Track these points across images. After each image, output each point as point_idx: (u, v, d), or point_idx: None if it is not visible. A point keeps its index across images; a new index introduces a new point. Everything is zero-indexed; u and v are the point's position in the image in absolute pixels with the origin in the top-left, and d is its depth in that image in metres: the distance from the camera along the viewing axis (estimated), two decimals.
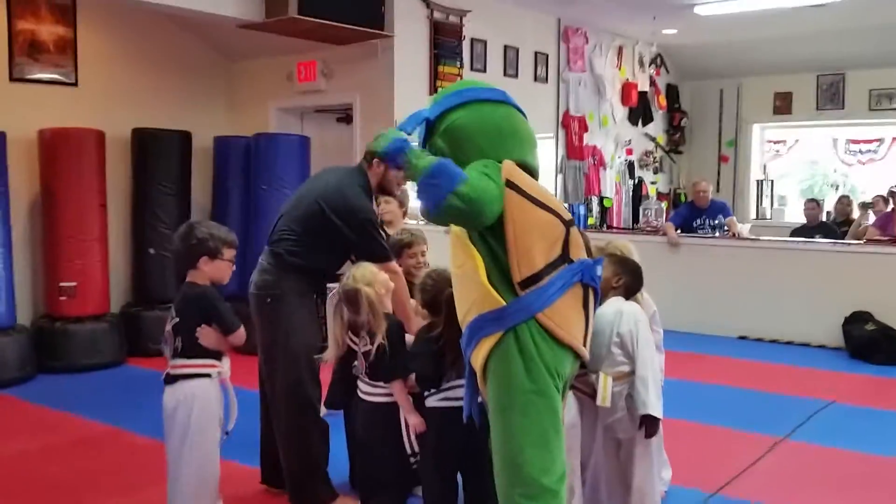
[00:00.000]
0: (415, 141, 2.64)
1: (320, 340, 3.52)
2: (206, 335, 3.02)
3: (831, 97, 10.27)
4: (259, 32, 6.41)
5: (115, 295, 6.79)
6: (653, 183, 10.69)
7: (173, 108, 7.47)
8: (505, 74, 7.99)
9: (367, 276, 2.98)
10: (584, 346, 2.45)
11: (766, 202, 11.32)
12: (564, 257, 2.46)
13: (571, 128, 8.92)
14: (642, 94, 10.16)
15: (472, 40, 7.54)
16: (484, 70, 7.68)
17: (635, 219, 9.82)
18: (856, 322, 6.80)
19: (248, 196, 7.31)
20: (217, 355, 3.08)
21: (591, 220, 9.11)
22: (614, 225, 9.54)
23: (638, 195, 10.21)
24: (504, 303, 2.34)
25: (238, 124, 7.92)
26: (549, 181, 9.01)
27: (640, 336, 2.89)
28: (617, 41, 9.64)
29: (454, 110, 2.64)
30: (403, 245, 3.73)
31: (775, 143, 11.81)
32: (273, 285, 3.41)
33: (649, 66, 10.34)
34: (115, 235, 6.83)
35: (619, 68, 9.71)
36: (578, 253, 2.50)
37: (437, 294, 2.83)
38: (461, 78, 7.34)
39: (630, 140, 10.16)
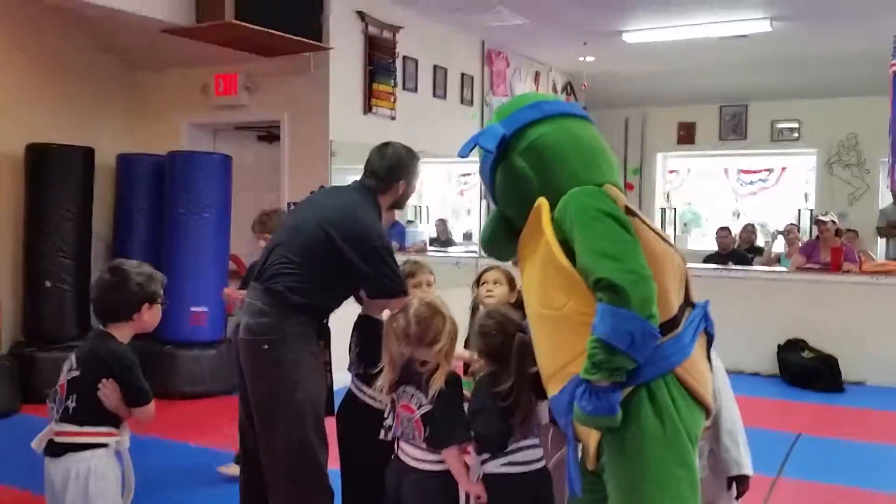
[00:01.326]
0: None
1: (326, 392, 3.02)
2: (111, 392, 2.51)
3: (734, 128, 10.56)
4: (174, 39, 5.76)
5: (3, 333, 5.89)
6: None
7: (71, 122, 6.63)
8: (434, 95, 7.65)
9: (446, 305, 2.53)
10: None
11: (669, 229, 11.50)
12: (688, 299, 2.12)
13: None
14: None
15: (405, 58, 7.16)
16: (415, 90, 7.30)
17: None
18: (791, 350, 6.87)
19: (156, 222, 6.59)
20: (116, 422, 2.57)
21: None
22: None
23: None
24: None
25: (143, 141, 7.15)
26: (474, 206, 8.73)
27: (722, 383, 2.57)
28: (534, 67, 9.52)
29: (534, 125, 2.26)
30: (406, 275, 3.23)
31: (670, 172, 12.08)
32: (272, 329, 2.86)
33: (561, 93, 10.29)
34: (4, 265, 5.93)
35: None
36: (694, 293, 2.17)
37: (505, 340, 2.39)
38: (395, 97, 6.95)
39: None
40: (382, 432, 2.97)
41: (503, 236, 2.40)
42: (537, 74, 9.60)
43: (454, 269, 7.49)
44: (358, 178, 3.17)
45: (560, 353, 2.11)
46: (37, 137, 6.17)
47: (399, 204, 3.17)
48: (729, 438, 2.50)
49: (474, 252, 8.56)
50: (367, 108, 6.68)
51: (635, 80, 10.18)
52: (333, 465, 3.00)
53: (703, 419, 2.06)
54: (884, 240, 9.12)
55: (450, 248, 9.00)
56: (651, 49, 8.56)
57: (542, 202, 2.19)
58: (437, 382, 2.40)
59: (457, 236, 9.32)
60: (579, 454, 2.18)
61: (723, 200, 12.12)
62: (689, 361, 2.01)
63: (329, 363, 3.06)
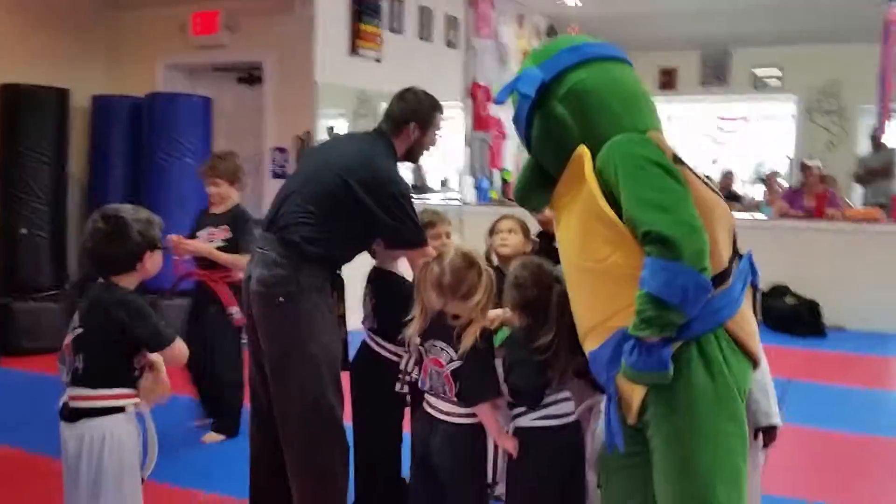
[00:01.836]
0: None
1: (341, 346, 2.94)
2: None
3: (715, 74, 10.50)
4: None
5: None
6: None
7: (44, 62, 6.34)
8: (420, 37, 7.45)
9: (482, 257, 2.45)
10: None
11: None
12: (736, 251, 2.07)
13: (479, 98, 8.52)
14: None
15: None
16: (401, 31, 7.10)
17: None
18: (774, 296, 6.93)
19: (134, 166, 6.39)
20: (133, 381, 2.40)
21: (493, 194, 8.83)
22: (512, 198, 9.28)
23: None
24: None
25: (118, 82, 6.89)
26: (457, 153, 8.60)
27: None
28: (518, 10, 9.32)
29: (573, 70, 2.16)
30: (425, 225, 3.03)
31: None
32: (288, 280, 2.75)
33: (544, 37, 10.11)
34: None
35: (519, 38, 9.40)
36: (741, 244, 2.12)
37: (541, 292, 2.31)
38: (381, 38, 6.74)
39: None
40: (398, 385, 2.92)
41: (537, 185, 2.31)
42: (520, 17, 9.40)
43: None
44: (344, 122, 3.03)
45: (600, 306, 2.04)
46: (8, 77, 5.90)
47: (413, 153, 3.03)
48: (759, 390, 2.47)
49: (456, 199, 8.47)
50: (353, 50, 6.48)
51: (616, 24, 9.98)
52: (347, 420, 2.93)
53: (752, 372, 2.03)
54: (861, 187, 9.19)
55: (428, 196, 8.87)
56: None
57: (583, 150, 2.10)
58: (470, 338, 2.32)
59: (432, 183, 9.19)
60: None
61: (698, 147, 12.16)
62: (739, 314, 1.97)
63: (343, 316, 2.98)
